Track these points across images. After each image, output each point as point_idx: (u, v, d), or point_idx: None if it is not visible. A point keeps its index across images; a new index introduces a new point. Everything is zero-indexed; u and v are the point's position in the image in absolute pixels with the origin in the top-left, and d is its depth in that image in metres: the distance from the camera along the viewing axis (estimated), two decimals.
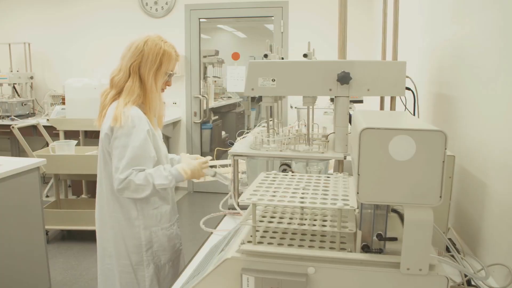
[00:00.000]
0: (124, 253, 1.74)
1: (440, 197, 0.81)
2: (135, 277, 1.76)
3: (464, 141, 1.54)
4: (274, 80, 1.60)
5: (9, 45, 5.21)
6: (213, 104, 6.80)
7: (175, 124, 5.21)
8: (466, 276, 1.14)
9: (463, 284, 1.11)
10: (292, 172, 1.64)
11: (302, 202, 0.92)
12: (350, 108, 3.24)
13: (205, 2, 4.94)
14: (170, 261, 1.81)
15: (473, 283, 1.16)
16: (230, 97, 7.76)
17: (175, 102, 5.20)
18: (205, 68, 7.10)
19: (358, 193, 0.82)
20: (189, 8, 4.99)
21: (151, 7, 5.02)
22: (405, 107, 1.89)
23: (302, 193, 0.98)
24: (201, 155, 2.42)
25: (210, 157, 1.89)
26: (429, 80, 2.11)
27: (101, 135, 1.70)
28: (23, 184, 2.58)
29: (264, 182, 1.07)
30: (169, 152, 2.01)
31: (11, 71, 5.14)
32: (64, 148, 3.57)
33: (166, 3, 4.99)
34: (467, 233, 1.48)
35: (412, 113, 1.86)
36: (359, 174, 0.81)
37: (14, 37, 5.34)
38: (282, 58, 1.86)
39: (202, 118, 5.28)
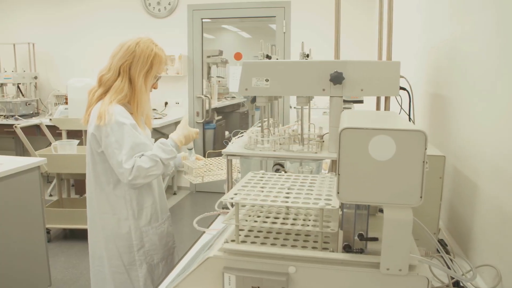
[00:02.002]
0: (115, 254, 1.75)
1: (421, 197, 0.81)
2: (129, 277, 1.77)
3: (458, 141, 1.53)
4: (268, 80, 1.60)
5: (14, 45, 5.26)
6: (216, 104, 6.82)
7: (177, 124, 5.21)
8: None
9: (448, 286, 1.11)
10: (285, 172, 1.64)
11: (285, 202, 0.92)
12: (350, 108, 3.25)
13: (208, 2, 4.95)
14: (163, 260, 1.82)
15: (461, 284, 1.16)
16: (234, 97, 7.77)
17: (178, 102, 5.22)
18: (209, 68, 7.12)
19: (338, 193, 0.82)
20: (191, 8, 5.00)
21: (153, 7, 5.05)
22: (401, 107, 1.89)
23: (287, 193, 0.98)
24: (204, 156, 2.43)
25: (196, 166, 1.99)
26: (426, 80, 2.10)
27: (88, 135, 1.72)
28: (23, 183, 2.60)
29: (250, 181, 1.07)
30: None
31: (16, 71, 5.19)
32: (66, 147, 3.60)
33: (169, 3, 5.01)
34: (459, 233, 1.47)
35: (408, 113, 1.85)
36: (339, 174, 0.81)
37: (18, 37, 5.39)
38: (270, 58, 1.85)
39: (204, 118, 5.29)
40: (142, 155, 1.67)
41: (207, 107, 5.33)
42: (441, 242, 1.40)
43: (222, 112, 7.29)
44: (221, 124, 6.87)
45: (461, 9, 1.61)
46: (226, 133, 7.09)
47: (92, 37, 5.25)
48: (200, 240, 1.50)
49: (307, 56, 1.74)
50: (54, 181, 4.84)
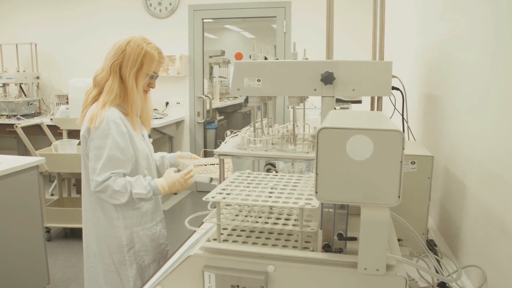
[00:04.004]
0: (106, 253, 1.76)
1: (399, 197, 0.81)
2: (119, 277, 1.77)
3: (449, 142, 1.53)
4: (260, 80, 1.61)
5: (16, 45, 5.30)
6: (218, 104, 6.83)
7: (178, 124, 5.24)
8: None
9: (434, 286, 1.11)
10: (276, 172, 1.64)
11: (266, 201, 0.93)
12: (347, 108, 3.22)
13: (209, 2, 4.97)
14: (155, 262, 1.82)
15: (448, 284, 1.16)
16: (236, 97, 7.78)
17: (179, 102, 5.24)
18: (211, 68, 7.14)
19: (316, 192, 0.82)
20: (192, 8, 5.02)
21: (155, 8, 5.07)
22: (394, 107, 1.89)
23: (270, 192, 0.99)
24: (205, 155, 2.42)
25: (192, 167, 1.86)
26: (420, 80, 2.10)
27: (80, 137, 1.72)
28: (22, 182, 2.62)
29: (235, 181, 1.08)
30: (172, 152, 2.04)
31: (18, 71, 5.23)
32: (67, 147, 3.63)
33: (170, 4, 5.03)
34: (449, 234, 1.47)
35: (401, 113, 1.85)
36: (317, 174, 0.82)
37: (20, 37, 5.43)
38: (266, 58, 1.86)
39: (205, 118, 5.31)
40: (122, 175, 1.66)
41: (208, 107, 5.34)
42: (431, 243, 1.40)
43: (224, 112, 7.30)
44: (222, 124, 6.89)
45: (455, 6, 1.59)
46: (228, 133, 7.09)
47: (93, 37, 5.28)
48: (190, 239, 1.51)
49: (296, 56, 1.73)
50: (56, 181, 4.87)
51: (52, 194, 4.94)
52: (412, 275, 1.18)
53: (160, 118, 4.88)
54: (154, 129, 4.51)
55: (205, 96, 5.29)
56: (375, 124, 0.85)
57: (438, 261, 1.24)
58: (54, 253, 3.51)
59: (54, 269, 3.22)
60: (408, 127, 1.87)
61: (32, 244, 2.71)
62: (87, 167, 1.73)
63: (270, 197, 0.95)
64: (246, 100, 1.75)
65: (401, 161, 0.80)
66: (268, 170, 1.66)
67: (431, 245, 1.37)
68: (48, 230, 3.79)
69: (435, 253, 1.33)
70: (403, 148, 0.80)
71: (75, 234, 3.93)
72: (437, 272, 1.11)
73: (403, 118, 1.85)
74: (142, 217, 1.77)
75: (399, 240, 1.18)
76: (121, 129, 1.67)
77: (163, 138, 5.04)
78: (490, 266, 1.09)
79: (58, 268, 3.28)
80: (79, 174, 1.86)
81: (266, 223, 0.94)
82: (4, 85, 5.18)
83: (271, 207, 1.02)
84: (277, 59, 1.82)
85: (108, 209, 1.73)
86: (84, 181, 1.77)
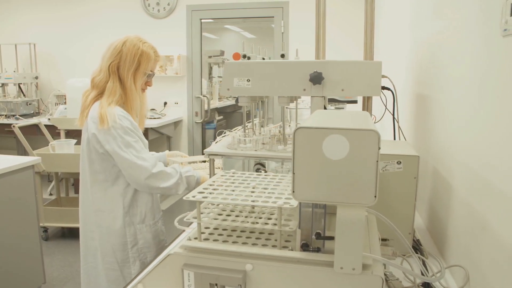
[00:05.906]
0: (109, 251, 1.76)
1: (375, 196, 0.81)
2: (122, 274, 1.79)
3: (437, 142, 1.53)
4: (249, 80, 1.62)
5: (15, 45, 5.32)
6: (217, 104, 6.83)
7: (176, 124, 5.25)
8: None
9: (418, 285, 1.11)
10: (265, 171, 1.65)
11: (246, 201, 0.93)
12: (342, 108, 3.22)
13: (206, 2, 4.98)
14: (156, 258, 1.84)
15: (432, 284, 1.16)
16: (236, 97, 7.77)
17: (177, 102, 5.24)
18: (211, 68, 7.15)
19: (293, 192, 0.82)
20: (190, 8, 5.03)
21: (153, 8, 5.08)
22: (385, 107, 1.89)
23: (251, 192, 0.99)
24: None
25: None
26: (413, 79, 2.10)
27: (88, 135, 1.72)
28: (18, 181, 2.64)
29: (217, 180, 1.08)
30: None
31: (17, 71, 5.25)
32: (64, 147, 3.65)
33: (168, 4, 5.04)
34: (437, 233, 1.47)
35: (392, 113, 1.85)
36: (294, 173, 0.82)
37: (19, 37, 5.45)
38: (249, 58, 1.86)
39: (203, 118, 5.31)
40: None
41: (206, 107, 5.34)
42: (418, 242, 1.41)
43: (224, 112, 7.30)
44: (221, 124, 6.89)
45: (447, 3, 1.56)
46: (227, 133, 7.08)
47: (92, 37, 5.29)
48: (178, 238, 1.51)
49: (283, 56, 1.74)
50: (54, 180, 4.88)
51: (50, 194, 4.96)
52: (397, 274, 1.19)
53: (158, 118, 4.89)
54: (152, 129, 4.52)
55: (203, 96, 5.30)
56: (352, 124, 0.85)
57: (423, 261, 1.25)
58: (51, 253, 3.53)
59: (50, 268, 3.24)
60: (399, 127, 1.87)
61: (28, 243, 2.72)
62: (93, 165, 1.73)
63: (251, 196, 0.96)
64: (237, 100, 1.76)
65: (377, 161, 0.80)
66: (258, 170, 1.66)
67: (417, 245, 1.37)
68: (45, 229, 3.80)
69: (421, 253, 1.33)
70: (379, 148, 0.80)
71: (72, 234, 3.94)
72: (421, 271, 1.11)
73: (394, 118, 1.86)
74: (146, 214, 1.80)
75: (385, 240, 1.18)
76: (134, 124, 1.73)
77: (161, 138, 5.05)
78: (473, 266, 1.09)
79: (54, 268, 3.29)
80: (77, 173, 1.86)
81: (246, 222, 0.94)
82: (3, 85, 5.20)
83: (253, 207, 1.03)
84: (261, 58, 1.83)
85: (113, 207, 1.74)
86: (88, 179, 1.77)
